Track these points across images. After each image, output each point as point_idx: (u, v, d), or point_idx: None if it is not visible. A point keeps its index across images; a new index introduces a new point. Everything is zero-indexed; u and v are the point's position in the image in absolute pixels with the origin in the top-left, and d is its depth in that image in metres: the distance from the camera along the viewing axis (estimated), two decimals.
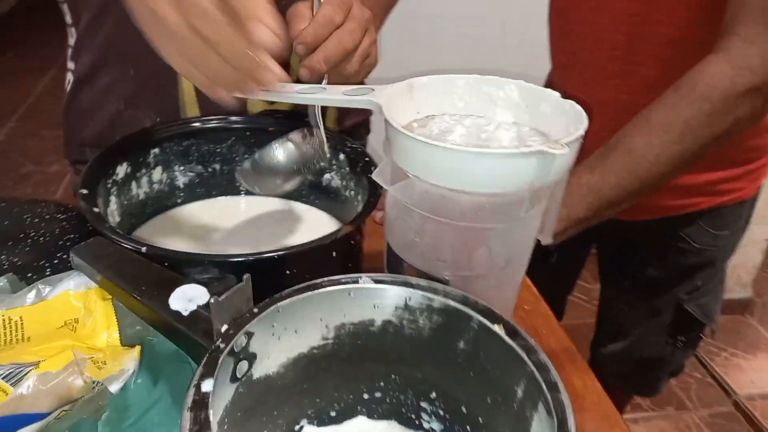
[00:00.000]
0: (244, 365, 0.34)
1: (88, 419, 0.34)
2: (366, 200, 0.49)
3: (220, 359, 0.30)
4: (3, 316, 0.35)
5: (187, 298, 0.34)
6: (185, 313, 0.33)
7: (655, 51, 0.71)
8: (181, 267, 0.39)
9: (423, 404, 0.41)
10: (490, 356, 0.35)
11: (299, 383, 0.39)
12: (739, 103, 0.56)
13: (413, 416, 0.42)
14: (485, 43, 1.61)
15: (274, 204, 0.65)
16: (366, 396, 0.42)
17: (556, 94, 0.46)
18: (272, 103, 0.63)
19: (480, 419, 0.39)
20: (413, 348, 0.39)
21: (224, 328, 0.32)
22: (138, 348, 0.35)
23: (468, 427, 0.40)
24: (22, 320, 0.35)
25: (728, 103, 0.56)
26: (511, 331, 0.33)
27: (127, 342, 0.39)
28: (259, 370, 0.36)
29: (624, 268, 0.99)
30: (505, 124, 0.49)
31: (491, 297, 0.46)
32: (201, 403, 0.27)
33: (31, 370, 0.29)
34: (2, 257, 0.52)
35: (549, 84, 0.95)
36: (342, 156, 0.59)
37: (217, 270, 0.39)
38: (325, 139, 0.53)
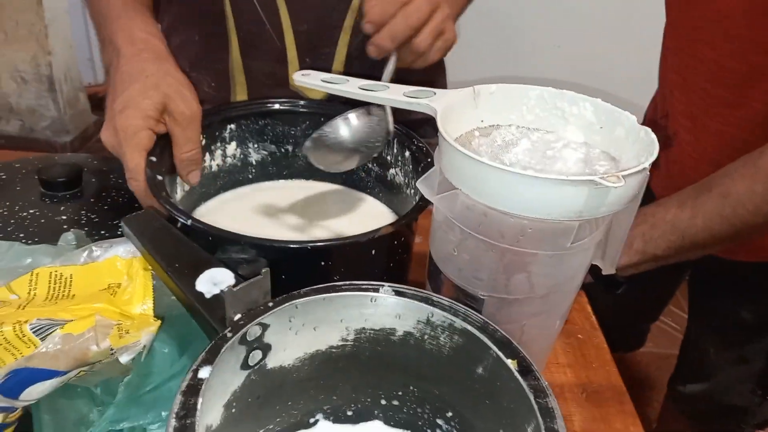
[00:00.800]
0: (257, 354, 0.35)
1: (114, 378, 0.37)
2: (416, 203, 0.48)
3: (225, 347, 0.31)
4: (55, 272, 0.38)
5: (213, 281, 0.36)
6: (207, 296, 0.35)
7: None
8: (219, 244, 0.40)
9: (439, 421, 0.41)
10: (504, 388, 0.34)
11: (315, 378, 0.40)
12: None
13: (429, 431, 0.42)
14: (568, 53, 1.53)
15: (340, 193, 0.66)
16: (383, 402, 0.42)
17: (633, 118, 0.43)
18: None
19: None
20: (432, 364, 0.38)
21: (237, 317, 0.33)
22: (157, 324, 0.36)
23: None
24: (71, 278, 0.38)
25: None
26: (525, 369, 0.31)
27: (163, 311, 0.41)
28: (274, 361, 0.37)
29: (715, 306, 0.92)
30: (575, 143, 0.46)
31: (528, 323, 0.44)
32: (194, 388, 0.28)
33: (56, 329, 0.31)
34: (82, 212, 0.57)
35: (652, 103, 0.88)
36: (407, 153, 0.58)
37: (254, 252, 0.41)
38: (390, 119, 0.53)
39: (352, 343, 0.39)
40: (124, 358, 0.34)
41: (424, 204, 0.47)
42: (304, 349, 0.38)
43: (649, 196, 0.86)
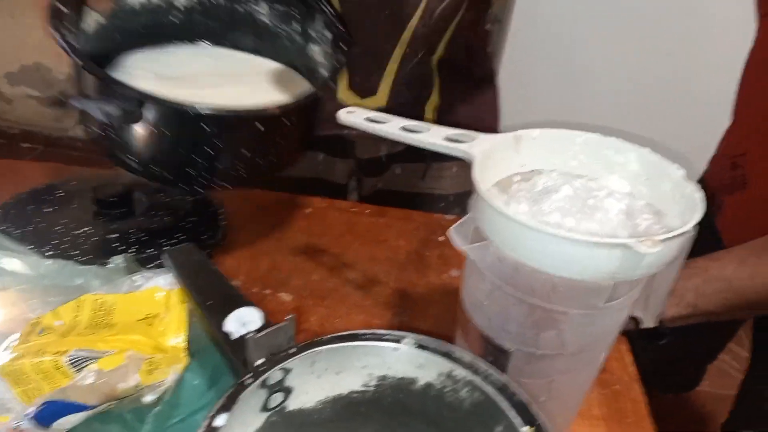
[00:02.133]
0: (278, 397, 0.36)
1: (142, 408, 0.38)
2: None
3: (244, 393, 0.32)
4: (100, 299, 0.40)
5: (242, 321, 0.37)
6: (233, 337, 0.36)
7: None
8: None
9: None
10: None
11: (336, 421, 0.40)
12: None
13: None
14: (628, 99, 1.47)
15: (260, 64, 0.64)
16: None
17: (681, 172, 0.41)
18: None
19: None
20: (452, 416, 0.38)
21: (259, 362, 0.33)
22: (184, 361, 0.38)
23: None
24: (113, 307, 0.40)
25: None
26: None
27: (197, 342, 0.42)
28: (295, 404, 0.37)
29: None
30: (619, 193, 0.44)
31: (558, 378, 0.42)
32: None
33: (90, 363, 0.33)
34: (131, 231, 0.60)
35: (726, 137, 0.84)
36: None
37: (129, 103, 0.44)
38: None
39: (373, 389, 0.39)
40: (147, 398, 0.35)
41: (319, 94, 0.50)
42: (326, 392, 0.38)
43: (714, 242, 0.82)
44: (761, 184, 0.72)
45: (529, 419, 0.32)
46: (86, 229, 0.60)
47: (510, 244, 0.37)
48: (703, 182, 0.90)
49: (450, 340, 0.47)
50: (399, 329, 0.56)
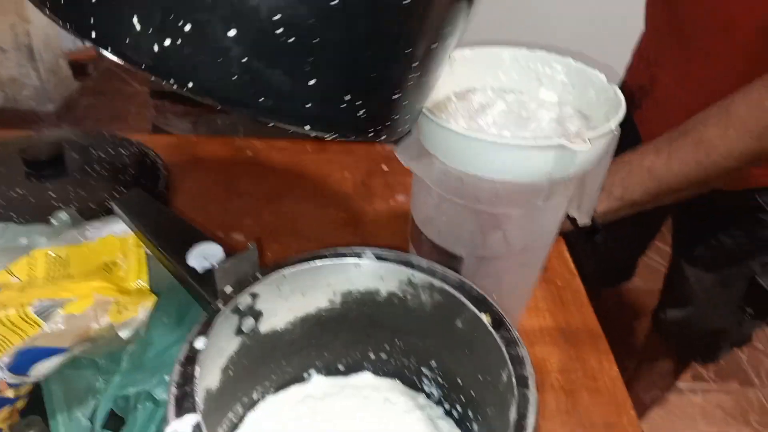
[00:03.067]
0: (250, 321, 0.38)
1: (117, 349, 0.39)
2: None
3: (218, 318, 0.33)
4: (52, 253, 0.40)
5: (204, 255, 0.38)
6: (200, 271, 0.37)
7: (747, 41, 0.65)
8: None
9: (424, 370, 0.43)
10: (480, 340, 0.36)
11: (307, 339, 0.42)
12: None
13: (415, 379, 0.44)
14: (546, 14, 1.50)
15: None
16: (372, 356, 0.45)
17: (603, 77, 0.44)
18: None
19: (472, 393, 0.40)
20: (416, 320, 0.41)
21: (228, 289, 0.35)
22: (153, 298, 0.39)
23: (462, 397, 0.41)
24: (68, 258, 0.40)
25: None
26: (498, 323, 0.34)
27: (160, 284, 0.43)
28: (266, 326, 0.39)
29: (697, 235, 0.96)
30: (549, 103, 0.47)
31: (507, 278, 0.46)
32: (191, 358, 0.31)
33: (58, 309, 0.33)
34: (69, 188, 0.59)
35: (640, 43, 0.89)
36: None
37: None
38: None
39: (339, 305, 0.41)
40: (124, 333, 0.36)
41: None
42: (294, 313, 0.40)
43: (634, 136, 0.88)
44: (668, 82, 0.78)
45: (486, 308, 0.35)
46: (20, 191, 0.58)
47: (453, 156, 0.39)
48: (623, 84, 0.96)
49: None
50: None
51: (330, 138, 0.33)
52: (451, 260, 0.45)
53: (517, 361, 0.32)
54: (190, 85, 0.27)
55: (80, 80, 2.27)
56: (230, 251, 0.38)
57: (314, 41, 0.28)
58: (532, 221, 0.42)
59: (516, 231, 0.42)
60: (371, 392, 0.45)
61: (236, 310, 0.36)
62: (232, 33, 0.26)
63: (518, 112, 0.47)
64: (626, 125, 0.92)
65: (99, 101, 2.27)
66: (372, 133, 0.34)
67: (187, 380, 0.30)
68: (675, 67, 0.76)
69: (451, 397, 0.43)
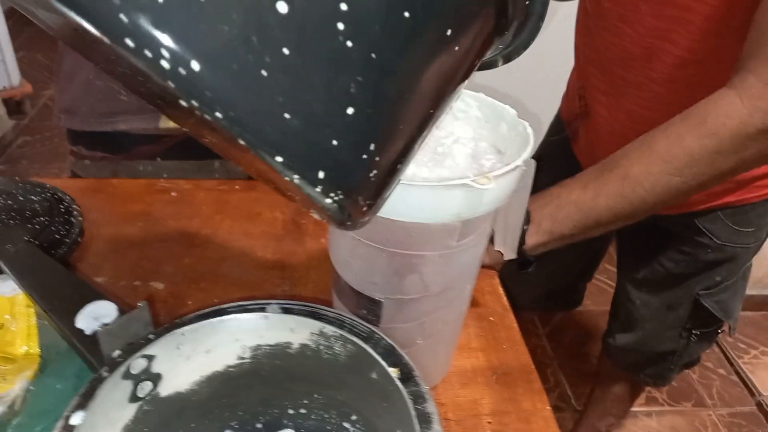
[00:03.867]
0: (147, 385, 0.35)
1: (4, 421, 0.36)
2: None
3: (101, 388, 0.30)
4: None
5: (94, 316, 0.35)
6: (88, 332, 0.34)
7: (667, 70, 0.67)
8: None
9: (345, 425, 0.41)
10: (393, 393, 0.35)
11: (218, 398, 0.40)
12: (747, 144, 0.52)
13: None
14: None
15: None
16: (291, 411, 0.42)
17: (513, 112, 0.44)
18: None
19: None
20: (331, 372, 0.39)
21: (116, 353, 0.32)
22: (33, 369, 0.36)
23: None
24: None
25: (736, 143, 0.52)
26: (406, 376, 0.32)
27: (57, 345, 0.40)
28: (168, 389, 0.36)
29: (641, 259, 0.97)
30: (464, 138, 0.47)
31: (429, 320, 0.45)
32: None
33: None
34: None
35: (573, 73, 0.91)
36: None
37: None
38: None
39: (249, 360, 0.39)
40: None
41: None
42: (199, 373, 0.38)
43: (573, 163, 0.89)
44: (600, 112, 0.79)
45: (395, 361, 0.33)
46: None
47: None
48: (559, 115, 0.98)
49: (331, 301, 0.48)
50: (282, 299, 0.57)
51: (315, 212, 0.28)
52: (369, 304, 0.43)
53: (425, 419, 0.30)
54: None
55: (15, 119, 2.19)
56: (125, 311, 0.35)
57: (371, 54, 0.23)
58: (449, 262, 0.40)
59: (432, 272, 0.41)
60: None
61: (129, 376, 0.33)
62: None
63: (434, 147, 0.46)
64: (565, 156, 0.93)
65: (35, 139, 2.19)
66: (365, 208, 0.27)
67: None
68: (603, 96, 0.78)
69: None
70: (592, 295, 1.71)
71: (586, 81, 0.82)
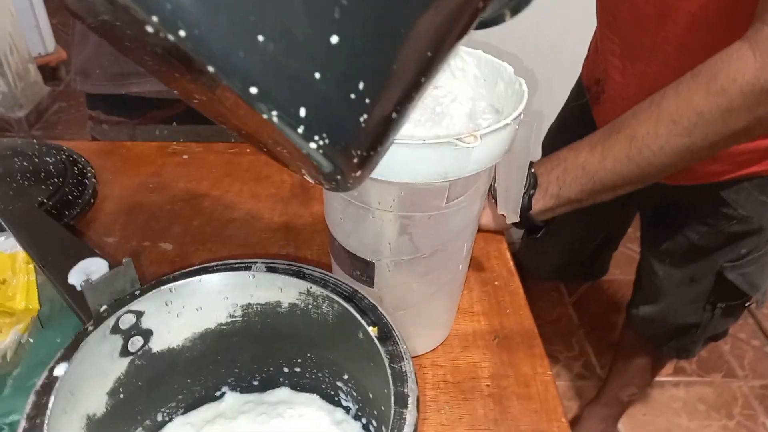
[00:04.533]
0: (138, 340, 0.36)
1: (3, 372, 0.37)
2: None
3: (86, 341, 0.31)
4: None
5: (87, 272, 0.36)
6: (79, 288, 0.35)
7: (680, 32, 0.63)
8: None
9: (338, 383, 0.42)
10: (376, 353, 0.35)
11: (211, 355, 0.40)
12: (762, 100, 0.48)
13: (332, 393, 0.43)
14: None
15: None
16: (286, 369, 0.43)
17: (510, 69, 0.42)
18: None
19: (382, 407, 0.38)
20: (321, 332, 0.39)
21: (102, 308, 0.33)
22: (25, 323, 0.37)
23: (375, 412, 0.40)
24: None
25: (748, 99, 0.49)
26: (385, 336, 0.32)
27: (55, 300, 0.41)
28: (159, 344, 0.37)
29: (664, 231, 0.94)
30: (462, 97, 0.45)
31: (421, 282, 0.44)
32: (48, 387, 0.29)
33: None
34: None
35: (594, 37, 0.87)
36: None
37: None
38: None
39: (240, 318, 0.39)
40: None
41: None
42: (191, 329, 0.38)
43: (593, 129, 0.87)
44: (615, 77, 0.76)
45: (375, 320, 0.33)
46: None
47: None
48: (580, 79, 0.94)
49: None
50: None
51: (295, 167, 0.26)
52: (363, 265, 0.43)
53: (399, 377, 0.30)
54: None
55: (50, 85, 2.24)
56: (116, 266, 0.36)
57: None
58: (438, 224, 0.40)
59: (422, 234, 0.40)
60: (286, 409, 0.43)
61: (117, 330, 0.34)
62: None
63: (432, 107, 0.45)
64: (585, 120, 0.90)
65: (71, 105, 2.24)
66: (356, 160, 0.25)
67: (39, 412, 0.28)
68: (617, 60, 0.75)
69: (366, 411, 0.41)
70: (620, 264, 1.67)
71: (603, 44, 0.79)
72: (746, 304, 0.95)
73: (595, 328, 1.64)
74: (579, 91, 0.93)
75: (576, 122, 0.91)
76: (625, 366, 1.19)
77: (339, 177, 0.25)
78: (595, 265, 1.28)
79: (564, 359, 1.56)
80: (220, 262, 0.37)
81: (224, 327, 0.40)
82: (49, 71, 2.27)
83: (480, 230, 0.61)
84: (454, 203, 0.39)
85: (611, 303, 1.73)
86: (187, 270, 0.36)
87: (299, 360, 0.42)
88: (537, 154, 0.98)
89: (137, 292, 0.34)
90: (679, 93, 0.52)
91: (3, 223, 0.39)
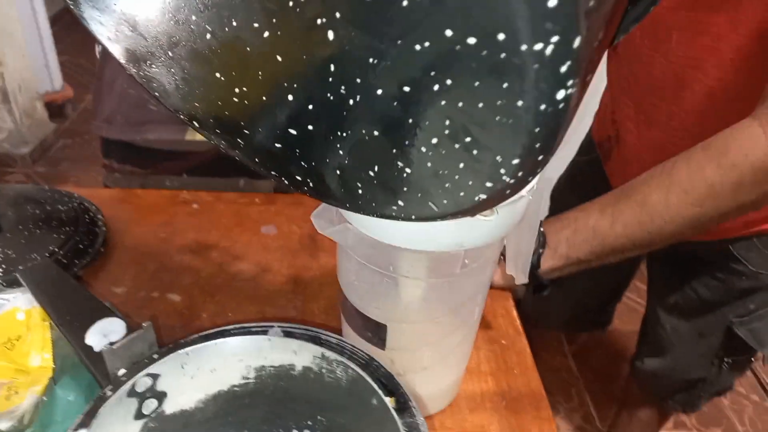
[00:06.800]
0: (152, 403, 0.36)
1: (13, 428, 0.37)
2: None
3: (104, 406, 0.31)
4: None
5: (104, 333, 0.36)
6: (96, 349, 0.35)
7: (697, 100, 0.65)
8: None
9: None
10: (390, 423, 0.35)
11: (223, 416, 0.40)
12: None
13: None
14: None
15: None
16: (296, 431, 0.43)
17: None
18: None
19: None
20: (333, 396, 0.39)
21: (120, 372, 0.33)
22: (43, 384, 0.37)
23: None
24: None
25: (758, 176, 0.50)
26: (402, 406, 0.32)
27: (70, 357, 0.41)
28: (172, 406, 0.37)
29: (672, 284, 0.94)
30: None
31: (434, 345, 0.45)
32: None
33: None
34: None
35: (603, 98, 0.89)
36: None
37: None
38: None
39: (254, 380, 0.39)
40: (3, 424, 0.34)
41: None
42: (204, 391, 0.38)
43: (603, 184, 0.88)
44: (628, 139, 0.78)
45: (391, 390, 0.33)
46: None
47: (364, 224, 0.38)
48: (590, 135, 0.96)
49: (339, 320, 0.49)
50: (292, 315, 0.57)
51: None
52: (375, 327, 0.43)
53: None
54: None
55: (56, 122, 2.26)
56: (135, 327, 0.36)
57: None
58: (453, 288, 0.40)
59: (437, 298, 0.41)
60: None
61: (134, 393, 0.34)
62: None
63: None
64: (596, 175, 0.90)
65: (75, 142, 2.26)
66: None
67: None
68: (632, 124, 0.76)
69: None
70: (620, 314, 1.66)
71: (616, 107, 0.81)
72: (752, 359, 0.95)
73: (595, 378, 1.62)
74: (589, 146, 0.95)
75: (585, 177, 0.92)
76: (630, 419, 1.18)
77: None
78: (600, 317, 1.28)
79: (563, 410, 1.54)
80: (237, 326, 0.37)
81: (237, 389, 0.40)
82: (55, 108, 2.30)
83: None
84: (469, 269, 0.39)
85: (611, 354, 1.72)
86: (204, 333, 0.36)
87: (310, 423, 0.42)
88: (545, 208, 0.99)
89: (155, 356, 0.34)
90: (690, 164, 0.53)
91: (22, 281, 0.40)
